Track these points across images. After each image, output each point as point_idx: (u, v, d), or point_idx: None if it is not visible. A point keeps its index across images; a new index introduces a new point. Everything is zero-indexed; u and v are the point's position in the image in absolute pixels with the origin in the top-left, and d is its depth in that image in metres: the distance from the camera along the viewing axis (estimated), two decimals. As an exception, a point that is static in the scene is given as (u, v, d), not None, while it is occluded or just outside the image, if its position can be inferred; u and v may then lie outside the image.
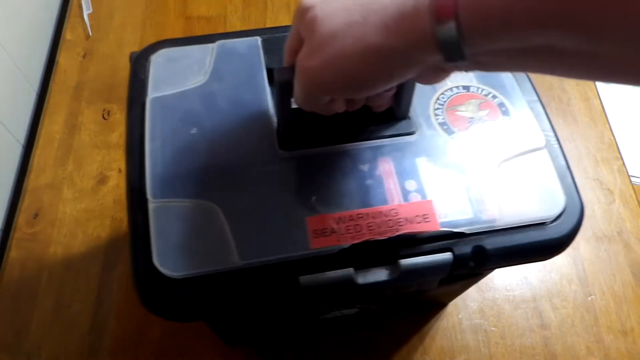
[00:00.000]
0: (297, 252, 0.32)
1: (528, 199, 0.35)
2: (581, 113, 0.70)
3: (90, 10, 0.76)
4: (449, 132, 0.37)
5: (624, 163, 0.66)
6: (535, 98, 0.40)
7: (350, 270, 0.32)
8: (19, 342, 0.53)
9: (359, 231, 0.33)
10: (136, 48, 0.72)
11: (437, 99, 0.39)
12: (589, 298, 0.58)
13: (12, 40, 0.65)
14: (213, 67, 0.40)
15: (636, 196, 0.64)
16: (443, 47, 0.26)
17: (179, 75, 0.39)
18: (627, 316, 0.57)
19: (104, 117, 0.67)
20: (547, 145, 0.37)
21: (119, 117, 0.67)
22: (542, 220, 0.35)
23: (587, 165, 0.66)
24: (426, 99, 0.39)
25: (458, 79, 0.40)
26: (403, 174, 0.35)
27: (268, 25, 0.77)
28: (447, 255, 0.33)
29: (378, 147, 0.36)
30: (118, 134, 0.66)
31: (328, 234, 0.33)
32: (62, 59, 0.72)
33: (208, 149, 0.36)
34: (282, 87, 0.33)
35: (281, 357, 0.54)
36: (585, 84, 0.72)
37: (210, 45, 0.41)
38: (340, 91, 0.31)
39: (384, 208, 0.34)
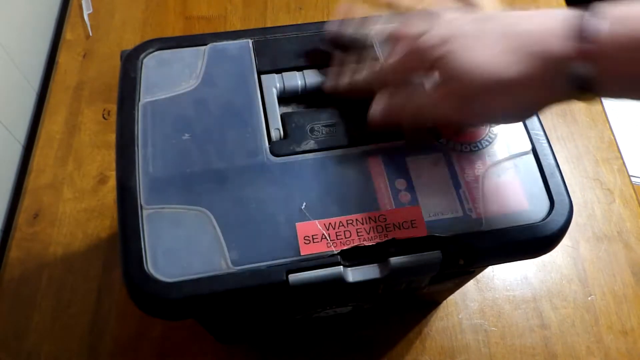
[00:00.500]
0: (287, 258, 0.33)
1: (517, 199, 0.36)
2: (581, 112, 0.70)
3: (91, 10, 0.76)
4: (438, 136, 0.38)
5: (624, 163, 0.66)
6: None
7: (340, 268, 0.33)
8: (19, 342, 0.53)
9: (349, 237, 0.33)
10: (136, 48, 0.72)
11: None
12: (589, 298, 0.58)
13: (12, 40, 0.65)
14: (204, 71, 0.40)
15: (636, 196, 0.64)
16: (573, 80, 0.28)
17: (171, 79, 0.40)
18: (627, 316, 0.57)
19: (104, 117, 0.67)
20: (536, 144, 0.38)
21: (119, 117, 0.67)
22: (531, 219, 0.35)
23: (587, 165, 0.66)
24: None
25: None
26: (393, 179, 0.36)
27: (268, 25, 0.77)
28: (436, 254, 0.33)
29: (368, 152, 0.37)
30: (118, 134, 0.66)
31: (318, 240, 0.33)
32: (62, 59, 0.72)
33: (200, 155, 0.36)
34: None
35: (281, 357, 0.54)
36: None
37: (202, 47, 0.41)
38: (475, 121, 0.34)
39: (373, 214, 0.34)
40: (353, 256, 0.33)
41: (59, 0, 0.80)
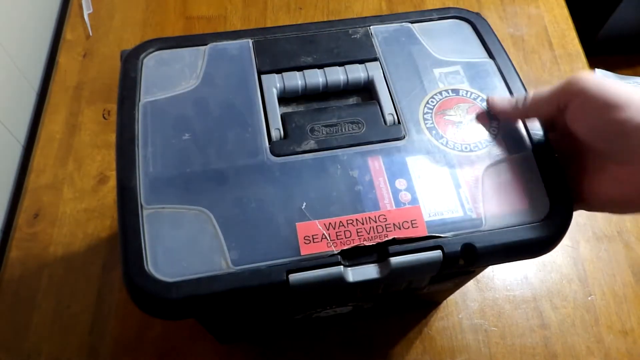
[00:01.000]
0: (287, 258, 0.33)
1: (517, 199, 0.36)
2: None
3: (91, 10, 0.76)
4: (438, 137, 0.38)
5: (624, 163, 0.66)
6: None
7: (340, 268, 0.33)
8: (19, 342, 0.53)
9: (349, 237, 0.33)
10: (136, 48, 0.72)
11: (427, 102, 0.39)
12: (589, 298, 0.58)
13: (12, 40, 0.65)
14: (204, 70, 0.40)
15: (636, 196, 0.64)
16: None
17: (171, 79, 0.40)
18: (627, 316, 0.57)
19: (104, 117, 0.67)
20: (536, 144, 0.38)
21: (119, 117, 0.67)
22: (531, 219, 0.35)
23: (587, 165, 0.66)
24: (416, 103, 0.39)
25: (450, 81, 0.40)
26: (393, 179, 0.36)
27: (268, 25, 0.77)
28: (436, 253, 0.33)
29: (368, 153, 0.37)
30: (118, 134, 0.66)
31: (318, 240, 0.33)
32: (62, 59, 0.72)
33: (200, 155, 0.36)
34: None
35: (281, 357, 0.54)
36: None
37: (202, 47, 0.41)
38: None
39: (373, 214, 0.34)
40: (353, 256, 0.33)
41: (59, 0, 0.80)
